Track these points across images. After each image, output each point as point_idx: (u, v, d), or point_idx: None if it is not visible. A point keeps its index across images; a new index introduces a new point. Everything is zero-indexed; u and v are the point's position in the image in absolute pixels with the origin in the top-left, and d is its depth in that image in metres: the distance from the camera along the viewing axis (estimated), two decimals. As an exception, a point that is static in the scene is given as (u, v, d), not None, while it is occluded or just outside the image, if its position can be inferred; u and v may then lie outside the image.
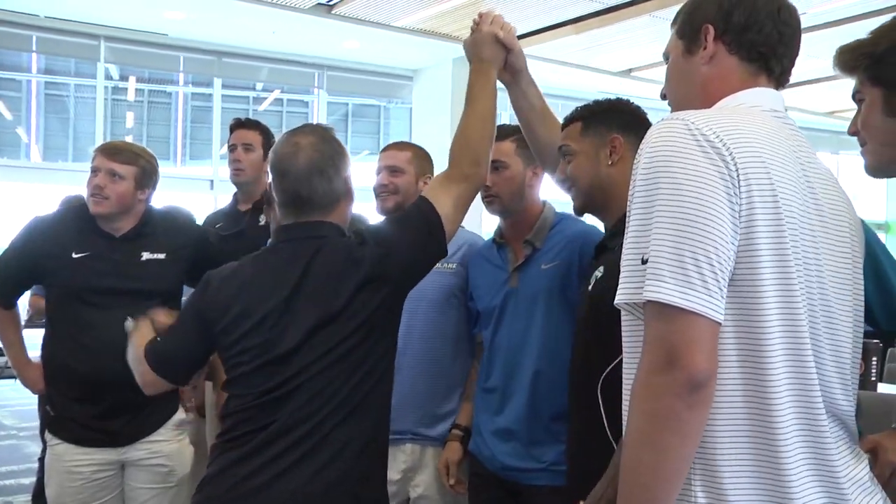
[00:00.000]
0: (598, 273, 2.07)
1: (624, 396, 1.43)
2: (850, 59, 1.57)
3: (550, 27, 9.70)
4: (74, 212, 2.96)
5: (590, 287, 2.09)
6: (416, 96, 12.10)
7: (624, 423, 1.37)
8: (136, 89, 13.58)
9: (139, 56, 11.29)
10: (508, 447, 2.50)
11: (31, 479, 5.32)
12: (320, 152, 2.10)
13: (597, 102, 2.28)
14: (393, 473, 2.65)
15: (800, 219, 1.32)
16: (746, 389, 1.30)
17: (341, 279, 2.04)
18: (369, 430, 2.05)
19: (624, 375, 1.45)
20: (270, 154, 2.18)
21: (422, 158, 2.94)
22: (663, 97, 1.68)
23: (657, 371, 1.25)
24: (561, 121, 2.36)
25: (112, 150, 2.88)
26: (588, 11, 9.07)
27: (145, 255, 2.86)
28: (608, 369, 1.91)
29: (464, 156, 2.24)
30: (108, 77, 12.14)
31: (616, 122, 2.19)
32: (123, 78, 13.11)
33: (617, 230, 2.02)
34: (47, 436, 2.88)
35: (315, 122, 2.53)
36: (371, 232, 2.16)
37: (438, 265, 2.64)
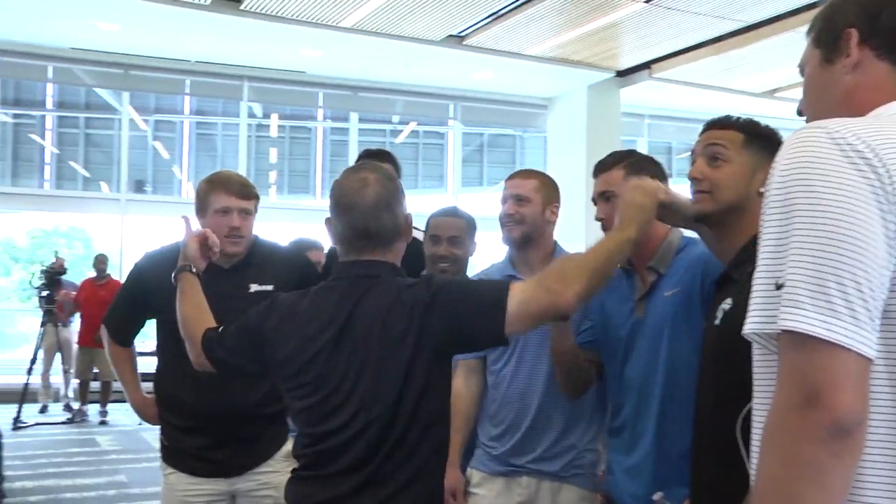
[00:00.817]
0: (726, 306, 1.91)
1: (753, 438, 1.29)
2: None
3: (688, 49, 9.51)
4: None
5: (717, 321, 1.93)
6: (551, 125, 12.06)
7: (752, 466, 1.25)
8: (278, 126, 13.99)
9: (279, 94, 11.79)
10: (635, 485, 2.41)
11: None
12: (386, 188, 2.08)
13: (760, 124, 2.10)
14: None
15: None
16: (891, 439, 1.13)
17: (386, 321, 2.01)
18: (428, 464, 2.07)
19: (754, 415, 1.30)
20: (334, 188, 2.14)
21: (548, 187, 2.84)
22: (800, 114, 1.54)
23: (794, 410, 1.10)
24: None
25: (241, 190, 2.86)
26: (727, 31, 8.84)
27: (253, 287, 2.86)
28: (745, 410, 1.77)
29: (558, 271, 2.09)
30: (252, 115, 12.63)
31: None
32: (266, 115, 13.54)
33: (741, 260, 1.92)
34: (161, 465, 2.93)
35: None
36: (436, 280, 2.10)
37: None
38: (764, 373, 1.28)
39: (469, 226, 3.14)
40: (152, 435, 8.69)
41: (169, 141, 13.73)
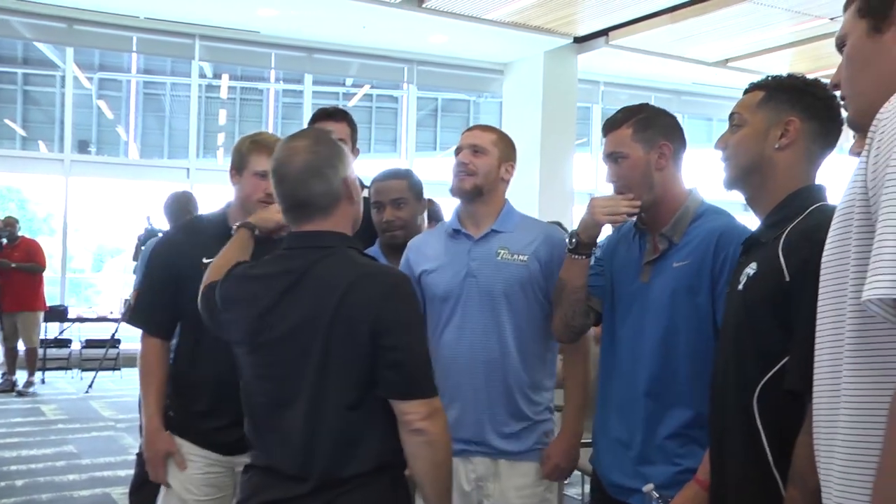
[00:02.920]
0: (750, 271, 1.85)
1: (842, 419, 1.24)
2: None
3: (645, 17, 9.53)
4: (205, 221, 2.97)
5: (740, 286, 1.87)
6: (507, 90, 12.06)
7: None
8: (229, 87, 13.79)
9: (232, 54, 11.56)
10: (617, 462, 2.36)
11: (127, 472, 5.41)
12: (315, 153, 2.07)
13: (790, 76, 2.02)
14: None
15: None
16: None
17: (337, 307, 2.01)
18: None
19: (845, 391, 1.24)
20: (271, 161, 2.15)
21: (507, 144, 2.77)
22: (835, 87, 1.51)
23: None
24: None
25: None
26: (683, 0, 8.87)
27: None
28: (764, 381, 1.74)
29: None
30: (202, 75, 12.40)
31: (801, 103, 1.93)
32: (217, 76, 13.33)
33: (773, 222, 1.87)
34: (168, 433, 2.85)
35: (307, 129, 2.41)
36: (392, 305, 2.04)
37: (508, 255, 2.63)
38: (875, 343, 1.20)
39: (412, 186, 3.07)
40: (100, 403, 8.62)
41: (114, 100, 13.40)
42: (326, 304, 2.01)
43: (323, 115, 3.58)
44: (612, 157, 2.39)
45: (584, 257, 2.44)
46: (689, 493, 2.10)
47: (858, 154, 1.89)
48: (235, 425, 2.61)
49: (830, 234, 1.34)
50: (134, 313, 2.97)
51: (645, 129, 2.36)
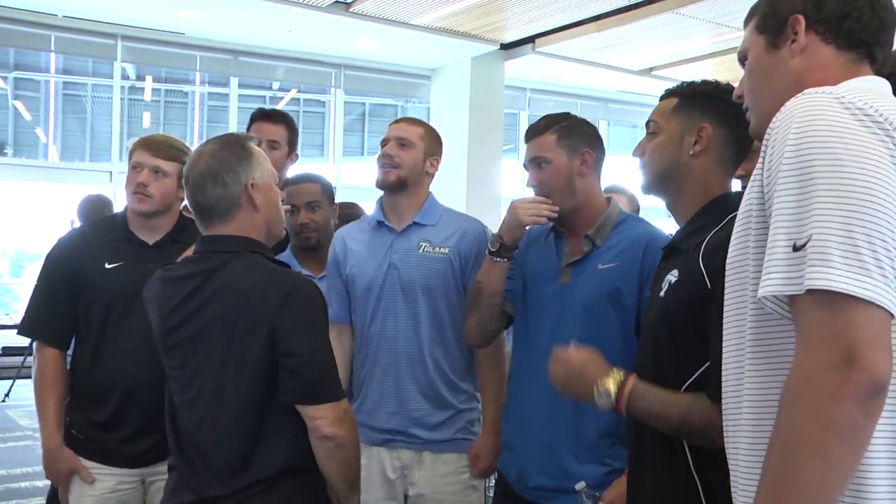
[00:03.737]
0: (672, 278, 1.88)
1: (744, 407, 1.29)
2: None
3: (571, 25, 9.63)
4: (105, 223, 2.93)
5: (661, 293, 1.91)
6: (434, 95, 12.04)
7: (737, 429, 1.28)
8: (153, 89, 13.60)
9: (156, 55, 11.30)
10: (541, 464, 2.36)
11: (45, 483, 5.27)
12: (217, 158, 2.08)
13: (703, 82, 2.06)
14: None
15: None
16: None
17: (238, 313, 2.03)
18: None
19: (747, 385, 1.30)
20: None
21: (433, 139, 2.78)
22: (739, 100, 1.59)
23: (830, 371, 1.09)
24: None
25: (155, 146, 2.75)
26: (608, 9, 8.99)
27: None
28: (690, 381, 1.78)
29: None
30: (125, 76, 12.17)
31: (713, 110, 1.98)
32: (140, 77, 13.11)
33: (693, 230, 1.92)
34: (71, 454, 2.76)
35: (233, 132, 2.42)
36: (287, 309, 2.05)
37: (429, 248, 2.65)
38: (766, 339, 1.27)
39: (325, 189, 3.10)
40: (17, 412, 8.40)
41: (32, 101, 13.13)
42: (227, 309, 2.02)
43: (261, 115, 3.53)
44: (536, 161, 2.43)
45: (505, 260, 2.46)
46: (621, 487, 2.12)
47: (741, 177, 1.99)
48: (143, 434, 2.66)
49: (732, 238, 1.40)
50: (27, 323, 2.82)
51: (569, 136, 2.41)
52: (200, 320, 2.04)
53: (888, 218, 1.11)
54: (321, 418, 2.03)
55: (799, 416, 1.11)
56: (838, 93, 1.20)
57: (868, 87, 1.31)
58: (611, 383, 1.83)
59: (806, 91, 1.24)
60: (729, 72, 11.20)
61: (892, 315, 1.10)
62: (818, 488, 1.10)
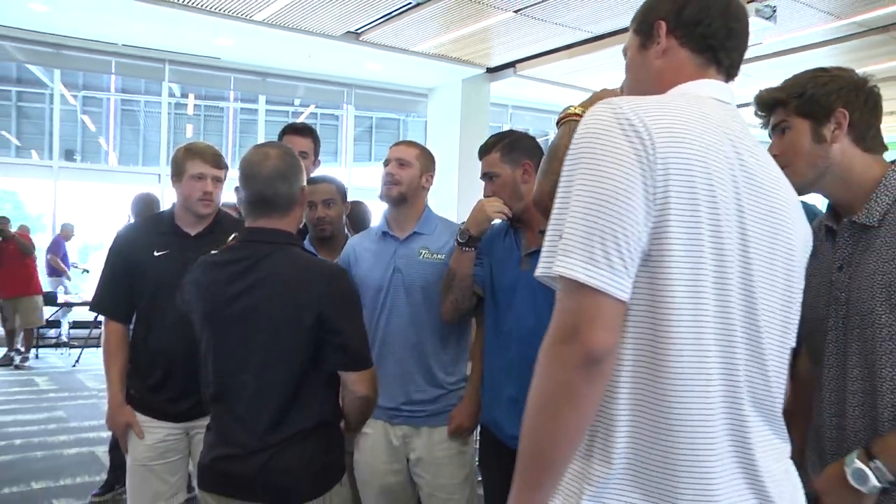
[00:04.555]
0: None
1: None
2: (780, 95, 1.62)
3: (547, 52, 9.62)
4: (154, 219, 2.92)
5: None
6: (431, 111, 12.03)
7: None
8: (195, 105, 13.55)
9: (197, 77, 11.31)
10: (514, 417, 2.35)
11: (108, 433, 5.31)
12: (284, 162, 2.07)
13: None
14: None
15: (724, 203, 1.14)
16: (649, 366, 1.13)
17: (286, 292, 2.01)
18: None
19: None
20: (241, 161, 2.11)
21: (427, 158, 2.75)
22: (622, 90, 1.55)
23: (559, 342, 1.10)
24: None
25: (213, 159, 2.75)
26: (579, 39, 8.97)
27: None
28: None
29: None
30: (171, 95, 12.13)
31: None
32: (184, 95, 13.08)
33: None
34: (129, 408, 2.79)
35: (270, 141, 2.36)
36: (334, 286, 2.04)
37: (427, 254, 2.64)
38: None
39: (339, 189, 3.07)
40: (85, 375, 8.40)
41: (96, 115, 13.05)
42: (276, 292, 2.00)
43: (292, 129, 3.47)
44: (487, 176, 2.51)
45: (472, 249, 2.49)
46: None
47: None
48: (184, 396, 2.66)
49: None
50: (95, 301, 2.85)
51: (510, 151, 2.47)
52: (249, 301, 2.02)
53: (624, 217, 1.09)
54: (360, 382, 2.06)
55: (539, 377, 1.12)
56: (616, 104, 1.15)
57: (685, 91, 1.28)
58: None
59: (600, 101, 1.19)
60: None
61: (617, 300, 1.09)
62: (549, 439, 1.11)
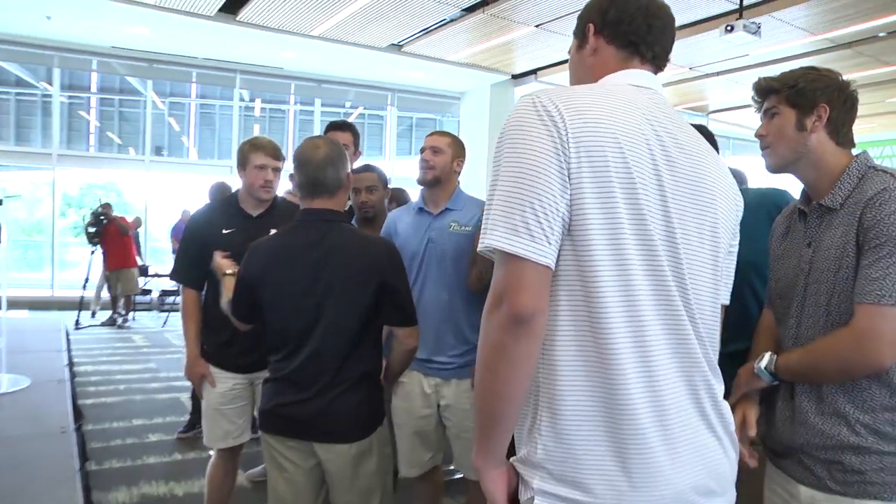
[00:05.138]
0: None
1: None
2: (777, 85, 1.59)
3: (564, 61, 9.42)
4: (222, 202, 2.89)
5: None
6: (463, 112, 12.01)
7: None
8: (261, 108, 13.67)
9: (263, 84, 11.45)
10: None
11: (190, 383, 5.49)
12: (332, 151, 2.08)
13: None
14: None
15: (640, 174, 1.10)
16: (580, 325, 1.09)
17: (351, 261, 2.01)
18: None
19: None
20: (295, 152, 2.11)
21: (458, 145, 2.68)
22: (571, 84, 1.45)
23: (491, 308, 1.07)
24: None
25: (273, 152, 2.72)
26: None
27: (272, 231, 2.67)
28: None
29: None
30: (242, 99, 12.28)
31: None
32: (252, 100, 13.19)
33: None
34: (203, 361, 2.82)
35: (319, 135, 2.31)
36: (392, 263, 2.07)
37: (457, 226, 2.58)
38: None
39: (380, 177, 3.04)
40: (172, 335, 8.64)
41: (180, 118, 13.28)
42: (342, 261, 2.00)
43: (333, 126, 3.43)
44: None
45: None
46: None
47: None
48: (249, 352, 2.67)
49: None
50: (174, 271, 2.87)
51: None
52: (318, 269, 2.00)
53: (540, 192, 1.06)
54: (410, 336, 2.11)
55: (480, 340, 1.11)
56: (537, 95, 1.13)
57: (606, 81, 1.26)
58: None
59: (524, 95, 1.20)
60: (677, 97, 11.11)
61: (541, 265, 1.06)
62: (493, 395, 1.09)
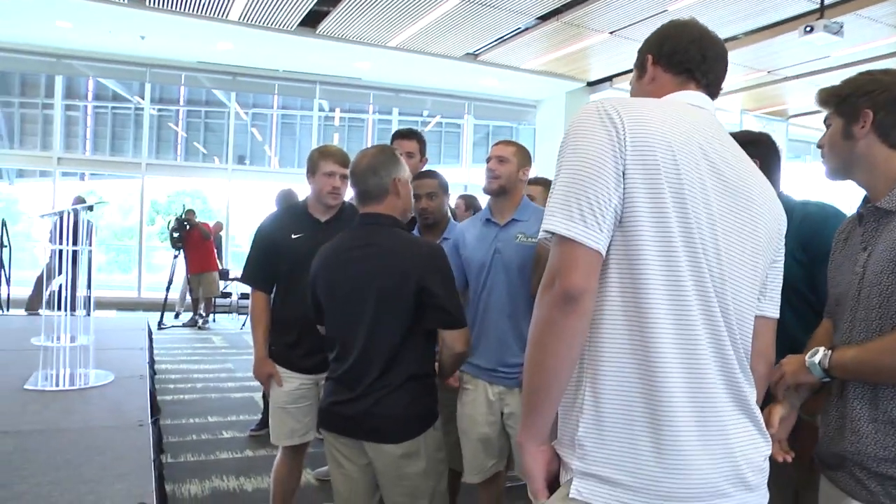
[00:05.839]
0: None
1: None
2: (827, 97, 1.63)
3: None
4: (292, 208, 2.96)
5: None
6: (539, 120, 12.01)
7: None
8: (340, 117, 13.87)
9: (341, 94, 11.73)
10: None
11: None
12: (375, 159, 2.12)
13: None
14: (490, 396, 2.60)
15: (688, 178, 1.18)
16: (627, 311, 1.16)
17: (393, 262, 2.04)
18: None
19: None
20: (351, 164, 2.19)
21: (523, 154, 2.68)
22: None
23: (546, 286, 1.15)
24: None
25: (341, 160, 2.77)
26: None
27: None
28: None
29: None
30: (321, 109, 12.58)
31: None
32: (331, 110, 13.41)
33: None
34: (271, 361, 2.85)
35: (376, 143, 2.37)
36: (435, 262, 2.07)
37: (523, 238, 2.57)
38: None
39: (441, 183, 3.03)
40: (250, 336, 8.86)
41: (262, 128, 13.65)
42: (383, 263, 2.04)
43: (399, 135, 3.45)
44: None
45: None
46: None
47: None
48: (314, 353, 2.68)
49: None
50: (244, 274, 2.91)
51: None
52: (363, 271, 2.05)
53: (595, 182, 1.14)
54: (456, 339, 2.09)
55: (532, 318, 1.17)
56: (601, 101, 1.23)
57: (665, 98, 1.35)
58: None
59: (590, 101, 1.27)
60: (754, 102, 10.71)
61: (591, 249, 1.13)
62: (541, 370, 1.15)
